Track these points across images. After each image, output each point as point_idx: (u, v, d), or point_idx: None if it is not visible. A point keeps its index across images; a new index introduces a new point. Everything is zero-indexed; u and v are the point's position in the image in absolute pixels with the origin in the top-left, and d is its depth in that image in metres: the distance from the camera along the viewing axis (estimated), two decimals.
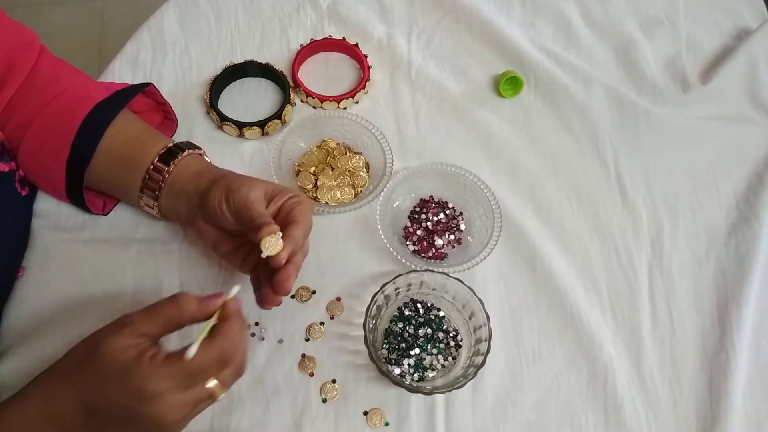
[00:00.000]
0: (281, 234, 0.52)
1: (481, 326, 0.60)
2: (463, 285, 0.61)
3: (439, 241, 0.69)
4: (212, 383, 0.46)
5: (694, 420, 0.61)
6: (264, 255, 0.51)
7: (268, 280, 0.54)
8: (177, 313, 0.46)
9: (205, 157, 0.64)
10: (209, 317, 0.47)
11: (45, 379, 0.47)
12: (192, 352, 0.44)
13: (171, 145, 0.61)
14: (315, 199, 0.70)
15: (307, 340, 0.63)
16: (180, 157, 0.60)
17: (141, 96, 0.68)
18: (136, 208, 0.67)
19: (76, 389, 0.45)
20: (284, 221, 0.54)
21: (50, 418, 0.45)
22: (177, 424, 0.45)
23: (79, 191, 0.62)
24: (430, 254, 0.68)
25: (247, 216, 0.53)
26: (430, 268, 0.63)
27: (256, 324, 0.63)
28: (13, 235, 0.63)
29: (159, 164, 0.60)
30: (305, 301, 0.65)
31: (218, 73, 0.76)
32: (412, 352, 0.61)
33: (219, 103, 0.75)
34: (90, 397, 0.44)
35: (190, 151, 0.62)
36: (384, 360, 0.61)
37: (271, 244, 0.51)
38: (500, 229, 0.66)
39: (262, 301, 0.56)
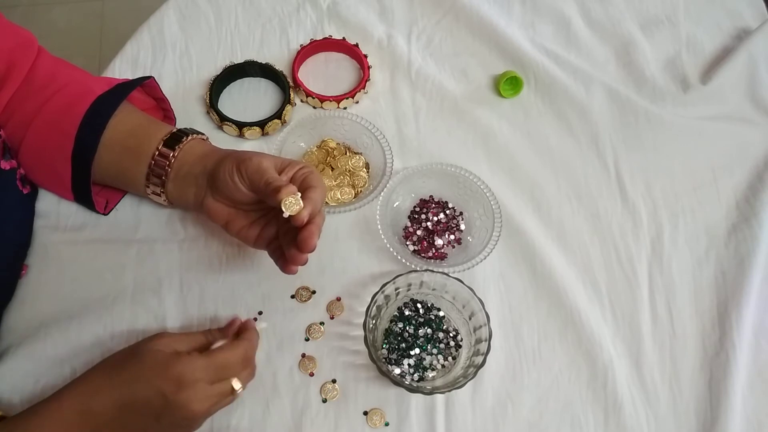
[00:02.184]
0: (300, 194, 0.53)
1: (481, 326, 0.60)
2: (463, 285, 0.61)
3: (439, 241, 0.69)
4: (234, 380, 0.51)
5: (694, 420, 0.61)
6: (286, 215, 0.52)
7: (291, 244, 0.55)
8: (204, 340, 0.54)
9: (209, 142, 0.64)
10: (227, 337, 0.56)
11: (85, 378, 0.51)
12: (218, 344, 0.52)
13: (174, 130, 0.62)
14: None
15: (307, 340, 0.63)
16: (184, 141, 0.60)
17: (140, 93, 0.68)
18: (136, 209, 0.67)
19: (116, 385, 0.49)
20: (300, 189, 0.55)
21: (84, 414, 0.48)
22: (201, 416, 0.50)
23: (85, 185, 0.62)
24: (430, 254, 0.68)
25: (262, 182, 0.54)
26: (430, 268, 0.63)
27: (255, 320, 0.63)
28: (15, 232, 0.63)
29: (164, 149, 0.60)
30: (305, 301, 0.65)
31: (218, 73, 0.76)
32: (412, 352, 0.61)
33: (219, 103, 0.75)
34: (128, 392, 0.49)
35: (194, 135, 0.62)
36: (384, 360, 0.61)
37: (292, 204, 0.52)
38: (500, 229, 0.66)
39: (288, 263, 0.56)
